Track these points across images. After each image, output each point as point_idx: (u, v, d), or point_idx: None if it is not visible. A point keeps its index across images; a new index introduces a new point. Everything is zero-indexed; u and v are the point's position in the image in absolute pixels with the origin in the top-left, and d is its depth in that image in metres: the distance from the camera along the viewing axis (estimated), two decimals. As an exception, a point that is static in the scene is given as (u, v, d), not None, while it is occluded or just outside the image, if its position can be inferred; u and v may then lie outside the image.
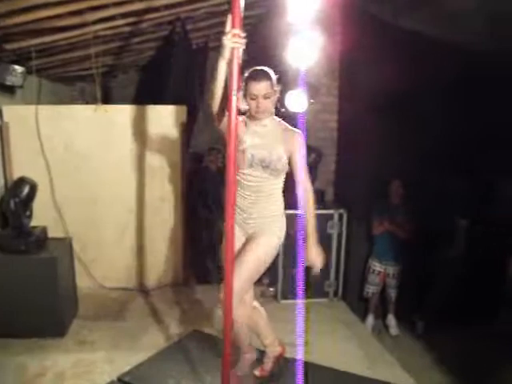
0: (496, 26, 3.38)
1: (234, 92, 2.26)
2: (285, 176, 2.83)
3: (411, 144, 4.58)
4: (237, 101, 2.30)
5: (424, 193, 4.94)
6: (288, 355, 3.23)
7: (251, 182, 2.74)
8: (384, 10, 4.30)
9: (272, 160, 2.67)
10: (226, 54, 2.30)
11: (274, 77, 2.65)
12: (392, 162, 4.75)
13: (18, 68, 4.19)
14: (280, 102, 2.81)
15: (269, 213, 2.81)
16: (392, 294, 5.21)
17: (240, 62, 2.30)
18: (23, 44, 3.97)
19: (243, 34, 2.25)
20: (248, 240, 2.85)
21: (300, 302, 3.62)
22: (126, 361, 3.39)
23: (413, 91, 4.59)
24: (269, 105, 2.66)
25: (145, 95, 5.14)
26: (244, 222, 2.82)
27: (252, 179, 2.74)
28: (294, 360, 3.12)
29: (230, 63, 2.30)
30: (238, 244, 2.76)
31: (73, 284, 4.21)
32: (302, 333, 3.19)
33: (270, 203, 2.79)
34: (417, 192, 4.90)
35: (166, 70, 4.87)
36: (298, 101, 4.36)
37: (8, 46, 3.92)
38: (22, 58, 4.24)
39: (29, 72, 4.36)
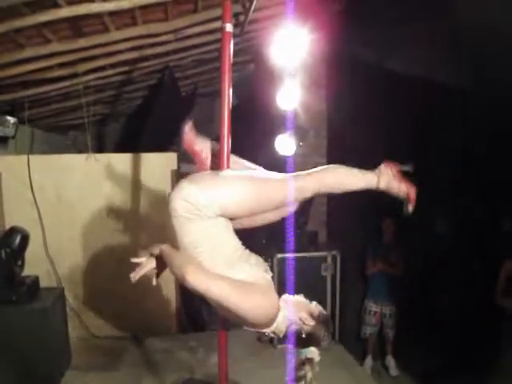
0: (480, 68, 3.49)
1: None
2: None
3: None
4: None
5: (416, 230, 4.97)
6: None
7: None
8: (370, 53, 4.43)
9: None
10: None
11: None
12: (383, 200, 4.79)
13: (11, 119, 4.24)
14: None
15: None
16: (389, 334, 5.16)
17: None
18: (16, 95, 4.03)
19: None
20: None
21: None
22: (121, 412, 3.32)
23: (402, 130, 4.68)
24: None
25: (135, 143, 5.19)
26: None
27: None
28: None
29: None
30: None
31: (65, 334, 4.13)
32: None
33: None
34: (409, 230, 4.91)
35: (153, 117, 4.96)
36: (287, 144, 4.42)
37: (1, 97, 3.98)
38: (14, 108, 4.30)
39: (21, 122, 4.41)
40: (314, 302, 2.17)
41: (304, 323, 2.07)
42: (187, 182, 2.06)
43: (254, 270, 2.06)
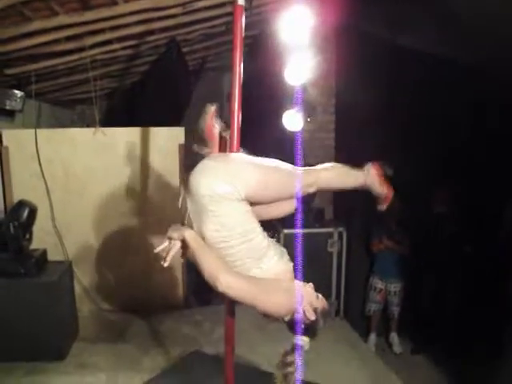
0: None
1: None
2: None
3: (410, 159, 4.61)
4: None
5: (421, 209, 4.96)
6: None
7: None
8: (380, 28, 4.37)
9: None
10: None
11: None
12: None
13: (18, 92, 4.24)
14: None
15: None
16: (394, 311, 5.19)
17: None
18: (23, 69, 4.01)
19: None
20: None
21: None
22: (128, 383, 3.37)
23: (411, 106, 4.64)
24: None
25: (142, 117, 5.16)
26: None
27: None
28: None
29: None
30: None
31: (73, 307, 4.18)
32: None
33: None
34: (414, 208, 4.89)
35: (157, 90, 4.94)
36: (294, 120, 4.40)
37: (8, 71, 3.97)
38: (21, 82, 4.28)
39: (28, 96, 4.40)
40: (320, 296, 2.19)
41: (305, 316, 2.09)
42: (217, 162, 2.08)
43: (279, 261, 2.13)
